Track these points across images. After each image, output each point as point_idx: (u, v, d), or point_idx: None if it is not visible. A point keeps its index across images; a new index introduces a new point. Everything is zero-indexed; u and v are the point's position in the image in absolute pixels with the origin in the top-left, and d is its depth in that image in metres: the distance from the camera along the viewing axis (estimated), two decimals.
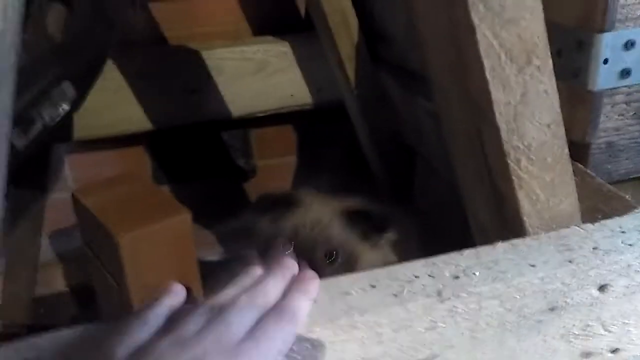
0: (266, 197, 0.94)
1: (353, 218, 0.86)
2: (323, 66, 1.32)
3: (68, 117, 0.80)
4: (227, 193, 1.55)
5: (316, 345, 0.53)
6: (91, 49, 0.83)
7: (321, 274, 0.66)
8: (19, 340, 0.52)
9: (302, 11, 1.48)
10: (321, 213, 0.86)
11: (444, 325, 0.56)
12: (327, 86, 1.37)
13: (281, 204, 0.88)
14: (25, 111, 0.72)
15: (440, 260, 0.60)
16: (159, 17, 1.39)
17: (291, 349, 0.52)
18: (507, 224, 0.67)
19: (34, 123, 0.73)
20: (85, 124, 1.21)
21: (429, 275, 0.58)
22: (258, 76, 1.33)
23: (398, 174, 1.33)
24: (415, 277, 0.58)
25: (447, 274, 0.58)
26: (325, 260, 0.83)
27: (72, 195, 0.59)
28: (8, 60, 0.46)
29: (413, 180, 1.34)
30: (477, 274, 0.58)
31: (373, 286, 0.57)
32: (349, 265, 0.84)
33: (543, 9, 0.55)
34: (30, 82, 0.72)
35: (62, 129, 1.13)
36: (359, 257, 0.85)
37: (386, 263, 0.71)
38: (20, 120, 0.72)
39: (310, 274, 0.58)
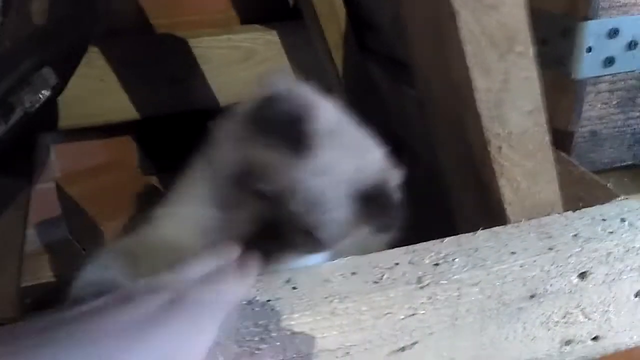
0: None
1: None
2: (311, 55, 1.32)
3: (49, 103, 0.79)
4: None
5: (297, 333, 0.53)
6: (73, 35, 0.82)
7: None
8: None
9: (291, 0, 1.47)
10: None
11: (424, 312, 0.56)
12: (314, 75, 1.36)
13: None
14: (5, 97, 0.71)
15: (421, 247, 0.60)
16: (146, 5, 1.38)
17: (271, 336, 0.52)
18: (489, 211, 0.67)
19: (13, 109, 0.73)
20: (71, 113, 1.20)
21: (410, 263, 0.58)
22: (245, 65, 1.32)
23: None
24: (396, 264, 0.58)
25: (428, 261, 0.58)
26: None
27: (56, 184, 0.58)
28: None
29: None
30: (457, 261, 0.58)
31: (353, 273, 0.57)
32: None
33: None
34: (10, 68, 0.71)
35: (47, 118, 1.13)
36: None
37: None
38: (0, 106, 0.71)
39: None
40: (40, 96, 0.76)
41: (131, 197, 1.04)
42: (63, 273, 1.42)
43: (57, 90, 0.82)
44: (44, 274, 1.44)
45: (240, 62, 1.32)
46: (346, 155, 0.59)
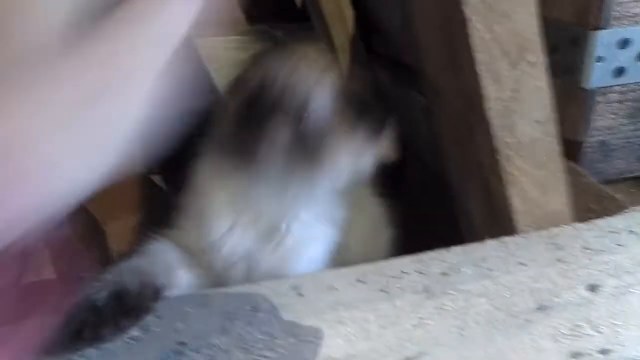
0: None
1: None
2: None
3: None
4: None
5: (303, 340, 0.53)
6: None
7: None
8: None
9: (298, 2, 1.46)
10: None
11: (431, 323, 0.56)
12: None
13: None
14: None
15: (429, 256, 0.60)
16: None
17: (276, 343, 0.51)
18: (496, 220, 0.66)
19: None
20: None
21: (417, 272, 0.58)
22: None
23: (388, 167, 1.33)
24: (404, 273, 0.58)
25: (436, 271, 0.58)
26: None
27: None
28: None
29: (403, 174, 1.33)
30: (465, 270, 0.57)
31: (360, 281, 0.57)
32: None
33: (540, 4, 0.55)
34: None
35: None
36: None
37: None
38: None
39: None
40: None
41: (134, 195, 1.04)
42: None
43: None
44: (46, 272, 1.44)
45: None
46: None
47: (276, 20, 1.38)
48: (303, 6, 1.41)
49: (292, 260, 0.68)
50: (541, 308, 0.59)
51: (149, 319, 0.54)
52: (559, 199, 0.64)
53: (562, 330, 0.62)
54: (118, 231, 0.98)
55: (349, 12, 1.18)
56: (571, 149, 0.76)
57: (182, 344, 0.51)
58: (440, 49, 0.62)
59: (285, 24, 1.36)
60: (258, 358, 0.52)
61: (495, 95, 0.57)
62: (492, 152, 0.60)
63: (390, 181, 1.33)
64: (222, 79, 1.30)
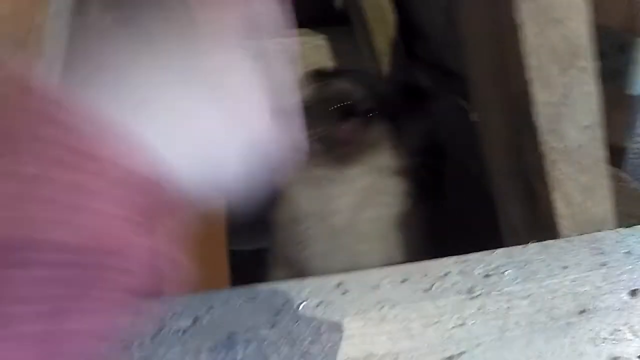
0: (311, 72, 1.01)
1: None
2: (357, 60, 1.32)
3: None
4: None
5: (347, 336, 0.54)
6: None
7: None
8: None
9: (339, 5, 1.48)
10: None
11: (473, 323, 0.57)
12: None
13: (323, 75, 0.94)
14: None
15: (472, 258, 0.61)
16: None
17: (321, 338, 0.53)
18: (539, 224, 0.67)
19: None
20: None
21: (460, 273, 0.59)
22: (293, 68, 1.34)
23: (428, 170, 1.33)
24: (446, 273, 0.58)
25: (478, 272, 0.58)
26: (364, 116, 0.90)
27: None
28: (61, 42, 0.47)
29: (444, 177, 1.33)
30: (508, 273, 0.58)
31: (404, 280, 0.58)
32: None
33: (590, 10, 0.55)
34: None
35: None
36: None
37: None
38: None
39: None
40: None
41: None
42: None
43: None
44: None
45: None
46: None
47: (318, 24, 1.40)
48: (344, 10, 1.43)
49: None
50: (583, 312, 0.59)
51: (201, 310, 0.55)
52: (603, 204, 0.64)
53: (602, 335, 0.62)
54: None
55: (390, 17, 1.19)
56: (615, 155, 0.76)
57: (232, 335, 0.53)
58: (488, 54, 0.63)
59: (326, 27, 1.38)
60: (304, 352, 0.54)
61: (544, 100, 0.57)
62: (538, 157, 0.60)
63: (430, 184, 1.34)
64: None
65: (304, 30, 1.39)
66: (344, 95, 0.89)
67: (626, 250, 0.61)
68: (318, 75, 0.93)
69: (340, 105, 0.87)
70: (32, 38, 0.49)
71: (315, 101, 0.89)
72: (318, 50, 1.34)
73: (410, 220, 0.95)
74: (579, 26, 0.54)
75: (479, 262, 0.60)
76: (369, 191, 0.92)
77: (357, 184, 0.92)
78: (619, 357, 0.64)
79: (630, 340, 0.63)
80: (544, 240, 0.63)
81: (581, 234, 0.64)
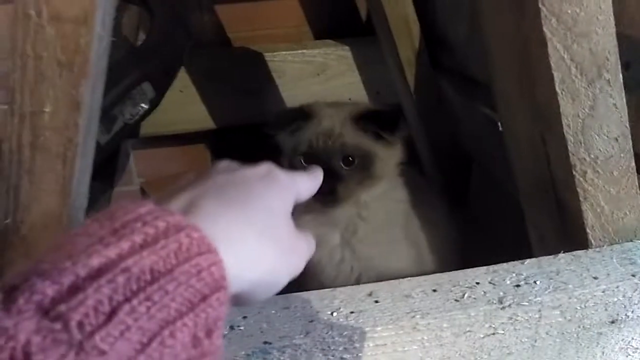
0: (282, 113, 1.01)
1: (364, 120, 0.87)
2: (382, 70, 1.34)
3: (145, 116, 0.84)
4: None
5: (379, 345, 0.55)
6: (169, 52, 0.87)
7: (341, 180, 0.83)
8: None
9: (363, 16, 1.49)
10: (334, 121, 0.87)
11: (504, 333, 0.57)
12: (384, 90, 1.38)
13: (296, 117, 0.90)
14: (108, 110, 0.76)
15: (502, 268, 0.61)
16: (224, 19, 1.43)
17: (354, 347, 0.54)
18: (569, 235, 0.67)
19: (115, 121, 0.78)
20: (152, 121, 1.26)
21: (491, 283, 0.59)
22: (318, 79, 1.35)
23: (453, 179, 1.34)
24: (477, 283, 0.59)
25: (509, 282, 0.59)
26: (343, 167, 0.85)
27: (141, 188, 0.62)
28: (104, 63, 0.50)
29: (468, 186, 1.34)
30: (539, 283, 0.58)
31: (435, 290, 0.59)
32: (367, 166, 0.86)
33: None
34: (114, 83, 0.77)
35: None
36: (375, 157, 0.86)
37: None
38: (104, 118, 0.76)
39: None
40: (140, 109, 0.81)
41: None
42: None
43: (154, 103, 0.87)
44: None
45: (313, 76, 1.35)
46: None
47: (342, 35, 1.41)
48: (367, 20, 1.44)
49: None
50: (614, 322, 0.60)
51: (236, 318, 0.57)
52: (633, 214, 0.64)
53: (633, 344, 0.62)
54: None
55: (415, 27, 1.20)
56: None
57: (267, 343, 0.54)
58: (514, 66, 0.63)
59: (350, 38, 1.39)
60: (337, 359, 0.55)
61: (572, 112, 0.58)
62: (567, 168, 0.61)
63: (455, 194, 1.34)
64: (288, 91, 1.35)
65: (328, 40, 1.41)
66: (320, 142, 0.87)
67: None
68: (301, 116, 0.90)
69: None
70: (78, 60, 0.51)
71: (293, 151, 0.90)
72: (343, 61, 1.36)
73: (439, 230, 0.95)
74: (604, 40, 0.55)
75: (508, 272, 0.60)
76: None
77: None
78: None
79: None
80: (574, 250, 0.63)
81: (611, 244, 0.64)
